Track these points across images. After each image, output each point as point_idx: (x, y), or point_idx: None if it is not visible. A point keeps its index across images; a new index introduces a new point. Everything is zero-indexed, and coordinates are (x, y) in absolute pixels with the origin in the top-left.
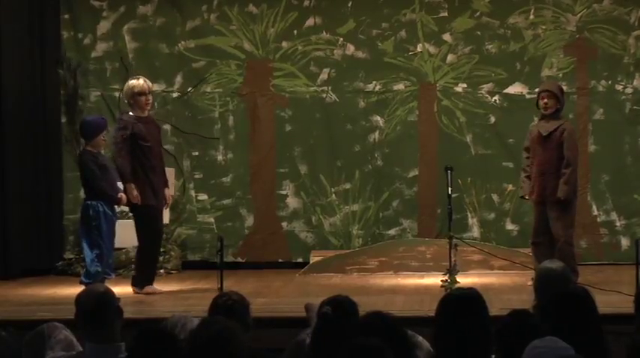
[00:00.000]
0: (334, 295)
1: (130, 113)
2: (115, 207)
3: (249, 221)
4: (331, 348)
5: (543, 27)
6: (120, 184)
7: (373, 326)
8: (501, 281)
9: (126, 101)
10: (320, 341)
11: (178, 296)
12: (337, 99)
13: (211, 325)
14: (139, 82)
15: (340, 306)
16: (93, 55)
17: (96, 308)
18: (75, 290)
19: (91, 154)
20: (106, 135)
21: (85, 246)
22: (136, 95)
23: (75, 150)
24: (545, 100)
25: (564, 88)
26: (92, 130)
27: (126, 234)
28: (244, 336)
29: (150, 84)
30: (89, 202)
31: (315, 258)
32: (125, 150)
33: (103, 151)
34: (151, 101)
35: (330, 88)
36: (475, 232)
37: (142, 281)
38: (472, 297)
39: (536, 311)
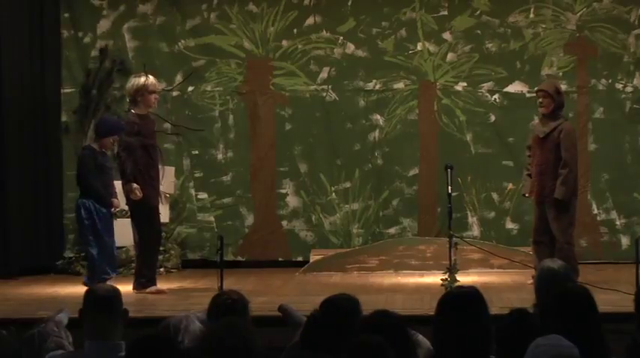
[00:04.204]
0: (335, 294)
1: (133, 111)
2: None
3: (249, 220)
4: (320, 348)
5: (543, 26)
6: (117, 186)
7: (378, 324)
8: (501, 280)
9: (130, 97)
10: (308, 341)
11: (178, 295)
12: (337, 98)
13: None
14: (151, 80)
15: (334, 307)
16: (93, 53)
17: (102, 305)
18: (75, 288)
19: (92, 152)
20: (116, 139)
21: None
22: (146, 93)
23: (79, 144)
24: (540, 100)
25: (564, 86)
26: (108, 129)
27: (126, 233)
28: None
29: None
30: (80, 201)
31: (315, 256)
32: (130, 150)
33: (107, 152)
34: (158, 99)
35: (330, 86)
36: (475, 231)
37: (144, 282)
38: (472, 296)
39: (537, 310)
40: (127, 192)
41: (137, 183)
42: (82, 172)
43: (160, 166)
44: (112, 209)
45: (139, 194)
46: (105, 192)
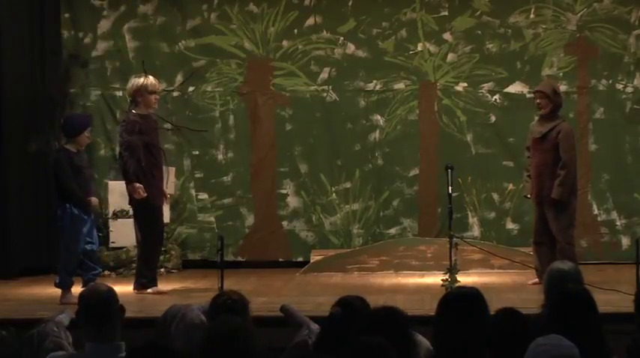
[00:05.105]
0: (346, 295)
1: (134, 111)
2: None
3: (250, 220)
4: (336, 347)
5: (544, 26)
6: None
7: (382, 321)
8: (501, 281)
9: (130, 98)
10: (325, 340)
11: (179, 295)
12: (337, 99)
13: (225, 323)
14: (151, 80)
15: (351, 306)
16: (93, 54)
17: (98, 307)
18: (74, 289)
19: (68, 154)
20: (89, 132)
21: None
22: (146, 93)
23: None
24: (538, 101)
25: (565, 87)
26: (79, 126)
27: (127, 233)
28: (258, 335)
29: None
30: (58, 204)
31: (315, 257)
32: (132, 149)
33: (83, 149)
34: (158, 100)
35: (330, 87)
36: (475, 231)
37: (145, 282)
38: (473, 296)
39: (545, 311)
40: (131, 192)
41: (140, 183)
42: (60, 176)
43: (163, 166)
44: (89, 208)
45: (142, 193)
46: (81, 193)
